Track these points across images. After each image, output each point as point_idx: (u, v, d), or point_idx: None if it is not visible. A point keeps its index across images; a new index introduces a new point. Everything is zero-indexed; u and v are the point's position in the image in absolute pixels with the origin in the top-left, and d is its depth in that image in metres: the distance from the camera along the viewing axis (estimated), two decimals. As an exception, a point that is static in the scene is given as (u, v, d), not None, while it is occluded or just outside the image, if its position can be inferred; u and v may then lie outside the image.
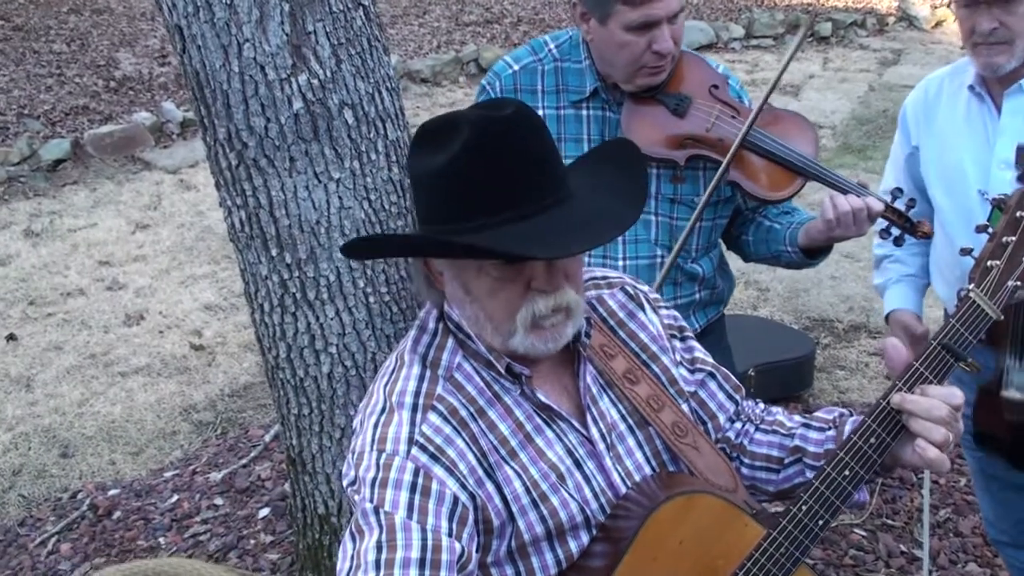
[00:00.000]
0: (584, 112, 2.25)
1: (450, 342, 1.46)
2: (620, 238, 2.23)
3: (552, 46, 2.30)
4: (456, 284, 1.41)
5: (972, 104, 2.29)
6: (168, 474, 4.01)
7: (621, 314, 1.61)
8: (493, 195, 1.29)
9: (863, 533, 3.43)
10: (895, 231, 2.25)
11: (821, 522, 1.44)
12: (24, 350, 5.07)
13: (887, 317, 2.58)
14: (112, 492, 3.89)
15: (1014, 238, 1.49)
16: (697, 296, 2.38)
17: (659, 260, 2.28)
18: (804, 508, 1.44)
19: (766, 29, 10.68)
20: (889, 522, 3.49)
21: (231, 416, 4.46)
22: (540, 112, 2.24)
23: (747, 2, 11.91)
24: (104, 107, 8.42)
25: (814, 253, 2.30)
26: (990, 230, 1.54)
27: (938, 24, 11.10)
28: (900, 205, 2.21)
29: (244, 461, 4.02)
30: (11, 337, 5.18)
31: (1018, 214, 1.50)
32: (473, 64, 9.79)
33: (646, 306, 1.64)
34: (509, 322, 1.38)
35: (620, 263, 2.26)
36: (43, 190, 7.20)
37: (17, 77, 8.94)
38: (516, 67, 2.27)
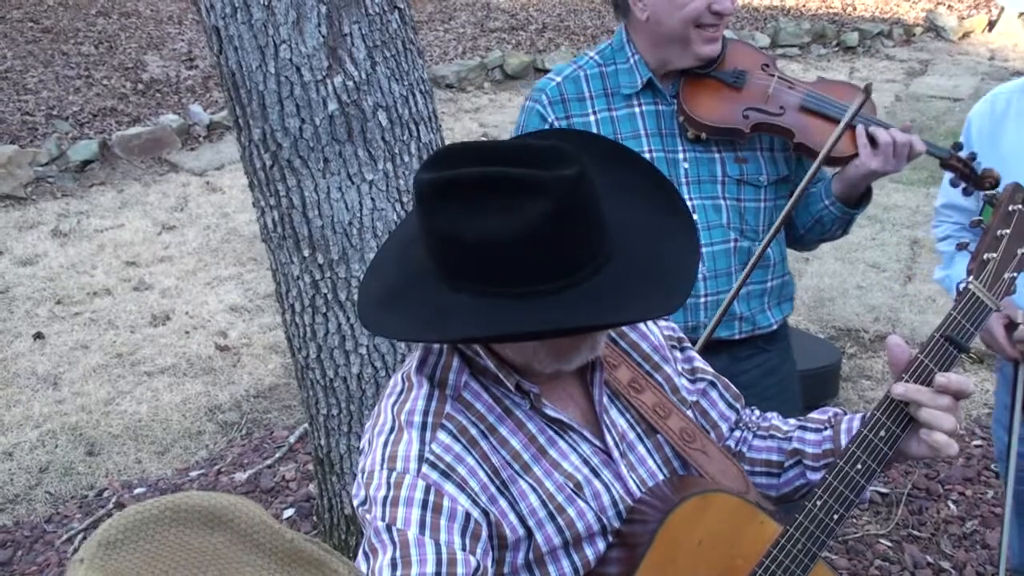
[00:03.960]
0: (637, 108, 2.27)
1: (455, 362, 1.45)
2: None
3: (592, 54, 2.32)
4: None
5: None
6: (193, 474, 4.03)
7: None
8: (578, 254, 1.27)
9: (889, 544, 3.41)
10: (961, 183, 2.27)
11: (836, 516, 1.45)
12: (51, 349, 5.11)
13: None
14: (138, 491, 3.91)
15: (1008, 231, 1.55)
16: (768, 284, 2.38)
17: (733, 244, 2.29)
18: (819, 503, 1.45)
19: (792, 38, 10.65)
20: (915, 533, 3.47)
21: (256, 417, 4.48)
22: (592, 116, 2.25)
23: (772, 11, 11.89)
24: (132, 109, 8.49)
25: (853, 203, 2.30)
26: (983, 225, 1.60)
27: (965, 35, 11.04)
28: (963, 155, 2.24)
29: (269, 462, 4.04)
30: (38, 336, 5.22)
31: (1010, 208, 1.57)
32: (498, 70, 9.82)
33: None
34: (574, 351, 1.39)
35: None
36: (71, 190, 7.27)
37: (46, 78, 9.03)
38: (559, 79, 2.28)
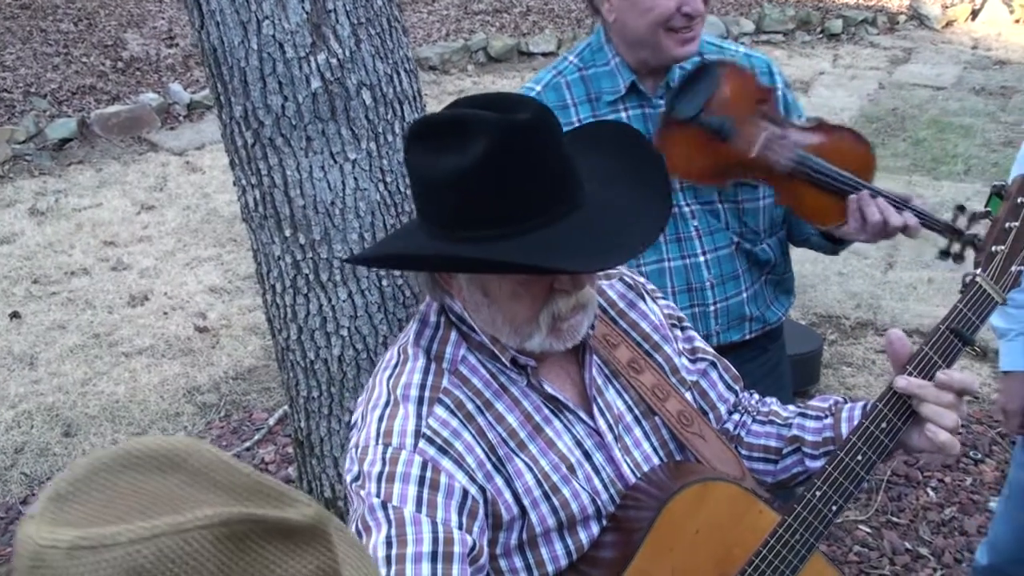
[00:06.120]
0: (623, 114, 2.17)
1: (453, 335, 1.43)
2: (696, 232, 2.17)
3: (571, 57, 2.23)
4: (473, 287, 1.36)
5: None
6: (171, 455, 4.00)
7: (621, 304, 1.59)
8: (521, 202, 1.24)
9: (868, 530, 3.42)
10: (955, 248, 1.97)
11: (835, 507, 1.45)
12: (28, 328, 5.05)
13: (1005, 375, 2.35)
14: (115, 472, 3.88)
15: (1017, 223, 1.53)
16: (769, 278, 2.31)
17: (735, 246, 2.19)
18: (818, 494, 1.44)
19: (776, 24, 10.63)
20: (894, 519, 3.48)
21: (235, 399, 4.44)
22: (577, 125, 2.15)
23: (757, -3, 11.87)
24: (111, 87, 8.39)
25: (835, 240, 2.19)
26: (991, 217, 1.59)
27: (949, 23, 11.05)
28: (962, 223, 1.93)
29: (248, 444, 4.01)
30: (15, 315, 5.16)
31: (1019, 200, 1.55)
32: (482, 53, 9.75)
33: (645, 296, 1.62)
34: (530, 324, 1.36)
35: (701, 258, 2.18)
36: (48, 169, 7.18)
37: (24, 55, 8.91)
38: (538, 87, 2.20)
